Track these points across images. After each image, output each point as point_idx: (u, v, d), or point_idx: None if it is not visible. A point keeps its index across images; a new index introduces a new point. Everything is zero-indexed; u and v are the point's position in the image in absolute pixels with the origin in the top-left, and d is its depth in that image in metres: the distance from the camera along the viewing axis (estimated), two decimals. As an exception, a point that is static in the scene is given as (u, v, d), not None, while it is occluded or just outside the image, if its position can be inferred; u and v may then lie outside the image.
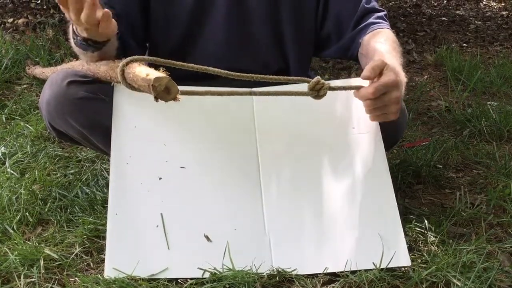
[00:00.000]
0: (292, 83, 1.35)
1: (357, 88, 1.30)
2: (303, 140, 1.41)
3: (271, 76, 1.28)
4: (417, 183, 1.86)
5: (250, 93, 1.32)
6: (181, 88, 1.17)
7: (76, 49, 1.42)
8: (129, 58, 1.21)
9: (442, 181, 1.88)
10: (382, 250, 1.28)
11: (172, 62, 1.22)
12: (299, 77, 1.32)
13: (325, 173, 1.38)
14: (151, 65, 1.22)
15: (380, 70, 1.27)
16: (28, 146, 1.99)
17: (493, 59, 3.40)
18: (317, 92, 1.28)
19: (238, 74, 1.25)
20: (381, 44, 1.47)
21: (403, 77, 1.37)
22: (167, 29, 1.60)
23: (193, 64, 1.22)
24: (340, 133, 1.42)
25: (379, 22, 1.58)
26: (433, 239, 1.46)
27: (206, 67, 1.23)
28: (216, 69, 1.22)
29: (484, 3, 5.40)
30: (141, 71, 1.16)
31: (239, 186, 1.35)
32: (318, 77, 1.28)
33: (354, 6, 1.60)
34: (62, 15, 3.94)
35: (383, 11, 1.63)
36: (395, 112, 1.32)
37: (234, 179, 1.36)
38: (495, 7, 5.24)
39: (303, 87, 1.28)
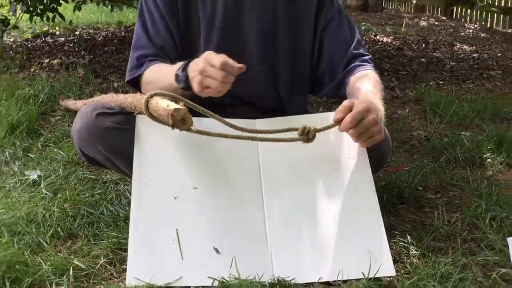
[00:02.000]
0: (282, 131, 1.35)
1: (337, 124, 1.31)
2: (301, 166, 1.41)
3: (265, 129, 1.35)
4: (400, 203, 1.85)
5: (253, 138, 1.34)
6: (195, 121, 1.20)
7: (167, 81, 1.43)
8: (153, 92, 1.25)
9: (422, 201, 1.88)
10: (370, 261, 1.28)
11: (186, 101, 1.25)
12: (288, 127, 1.34)
13: (320, 194, 1.38)
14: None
15: (349, 109, 1.29)
16: (61, 170, 2.00)
17: (466, 95, 3.41)
18: (306, 137, 1.30)
19: (241, 127, 1.29)
20: (364, 84, 1.50)
21: (378, 105, 1.38)
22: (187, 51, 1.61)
23: (202, 108, 1.27)
24: (332, 159, 1.42)
25: (364, 65, 1.59)
26: (415, 252, 1.46)
27: (212, 113, 1.27)
28: (220, 118, 1.28)
29: (457, 46, 5.43)
30: (163, 102, 1.20)
31: (245, 205, 1.35)
32: (304, 124, 1.31)
33: (344, 51, 1.62)
34: (91, 57, 3.98)
35: (368, 55, 1.65)
36: (377, 133, 1.32)
37: (240, 199, 1.36)
38: (467, 50, 5.27)
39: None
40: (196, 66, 1.30)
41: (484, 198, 1.85)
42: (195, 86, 1.30)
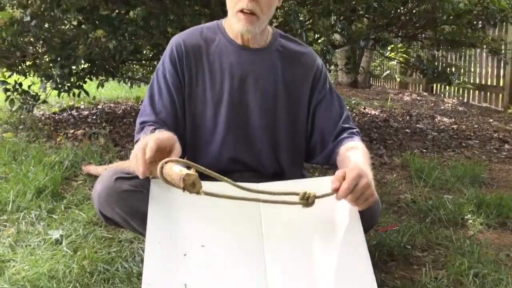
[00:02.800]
0: (285, 194, 1.36)
1: (335, 192, 1.33)
2: (300, 226, 1.40)
3: (269, 190, 1.35)
4: (390, 261, 1.83)
5: (257, 200, 1.35)
6: (204, 184, 1.21)
7: None
8: (167, 159, 1.26)
9: (411, 259, 1.86)
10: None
11: (198, 166, 1.26)
12: (290, 191, 1.34)
13: (317, 253, 1.37)
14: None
15: (342, 177, 1.30)
16: (81, 230, 1.99)
17: (447, 162, 3.42)
18: (306, 201, 1.31)
19: (247, 187, 1.31)
20: (353, 153, 1.52)
21: (368, 170, 1.40)
22: (194, 135, 1.65)
23: (212, 172, 1.28)
24: (328, 220, 1.42)
25: (352, 137, 1.62)
26: (405, 307, 1.43)
27: (220, 175, 1.28)
28: (228, 180, 1.28)
29: (438, 118, 5.50)
30: (176, 168, 1.22)
31: (247, 263, 1.34)
32: (305, 190, 1.31)
33: (334, 125, 1.65)
34: (111, 127, 4.04)
35: (356, 128, 1.68)
36: (371, 195, 1.33)
37: (243, 256, 1.35)
38: (447, 122, 5.33)
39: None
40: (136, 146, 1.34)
41: (467, 256, 1.83)
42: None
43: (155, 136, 1.33)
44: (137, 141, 1.56)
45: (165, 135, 1.37)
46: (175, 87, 1.61)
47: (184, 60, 1.61)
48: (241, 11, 1.50)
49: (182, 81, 1.62)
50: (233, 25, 1.56)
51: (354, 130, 1.66)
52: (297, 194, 1.33)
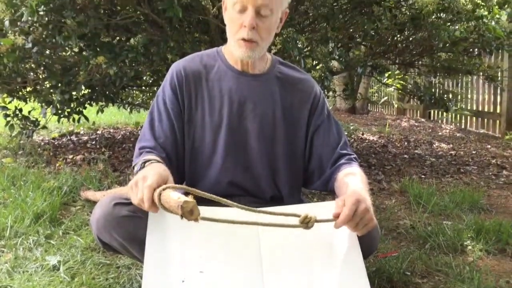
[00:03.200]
0: (286, 215, 1.36)
1: (335, 219, 1.33)
2: (299, 252, 1.40)
3: (270, 211, 1.35)
4: (390, 287, 1.82)
5: (257, 223, 1.34)
6: (201, 209, 1.21)
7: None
8: (165, 186, 1.26)
9: (410, 285, 1.84)
10: None
11: (195, 191, 1.27)
12: (291, 213, 1.35)
13: (317, 277, 1.36)
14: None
15: (342, 204, 1.32)
16: (79, 255, 1.98)
17: (446, 188, 3.43)
18: (306, 225, 1.31)
19: (244, 207, 1.30)
20: (351, 179, 1.53)
21: (366, 196, 1.40)
22: (193, 159, 1.65)
23: (212, 195, 1.28)
24: (328, 246, 1.41)
25: (349, 163, 1.64)
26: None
27: (219, 197, 1.28)
28: (229, 201, 1.28)
29: (436, 144, 5.52)
30: (174, 195, 1.22)
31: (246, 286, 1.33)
32: (306, 213, 1.32)
33: (332, 151, 1.67)
34: (110, 153, 4.04)
35: (353, 154, 1.69)
36: (370, 219, 1.34)
37: (243, 282, 1.34)
38: (445, 147, 5.35)
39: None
40: (138, 175, 1.35)
41: (467, 283, 1.82)
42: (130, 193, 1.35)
43: (154, 171, 1.35)
44: (135, 165, 1.57)
45: (160, 169, 1.38)
46: (175, 112, 1.63)
47: (184, 86, 1.63)
48: (242, 39, 1.53)
49: (182, 106, 1.64)
50: (234, 51, 1.58)
51: (352, 156, 1.67)
52: (297, 216, 1.32)
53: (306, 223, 1.32)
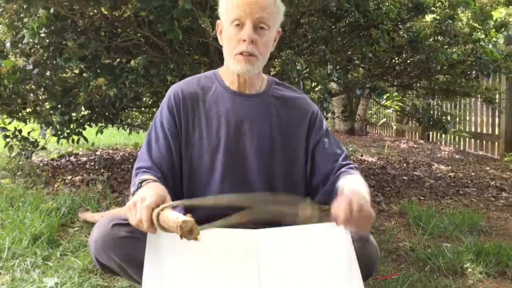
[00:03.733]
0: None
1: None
2: (298, 273, 1.40)
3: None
4: (390, 310, 1.81)
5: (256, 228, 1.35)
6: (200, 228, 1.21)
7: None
8: (162, 206, 1.26)
9: (410, 308, 1.83)
10: None
11: (194, 203, 1.27)
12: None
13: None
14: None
15: (337, 206, 1.33)
16: (76, 277, 1.97)
17: (445, 210, 3.42)
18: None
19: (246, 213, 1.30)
20: (349, 181, 1.54)
21: (363, 193, 1.42)
22: (191, 180, 1.65)
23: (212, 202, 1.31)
24: (327, 267, 1.41)
25: (349, 170, 1.64)
26: None
27: (223, 198, 1.32)
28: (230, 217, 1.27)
29: (435, 166, 5.52)
30: (173, 215, 1.22)
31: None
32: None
33: (334, 163, 1.67)
34: (109, 174, 4.04)
35: (355, 164, 1.70)
36: (368, 216, 1.33)
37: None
38: (444, 169, 5.35)
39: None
40: (135, 196, 1.36)
41: (467, 306, 1.80)
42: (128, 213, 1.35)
43: (153, 191, 1.35)
44: (133, 185, 1.57)
45: (158, 189, 1.39)
46: (172, 133, 1.64)
47: (181, 108, 1.65)
48: (241, 53, 1.55)
49: (179, 127, 1.65)
50: (232, 67, 1.60)
51: (353, 165, 1.67)
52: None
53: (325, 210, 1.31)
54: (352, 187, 1.46)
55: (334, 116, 7.02)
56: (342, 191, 1.50)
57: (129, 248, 1.44)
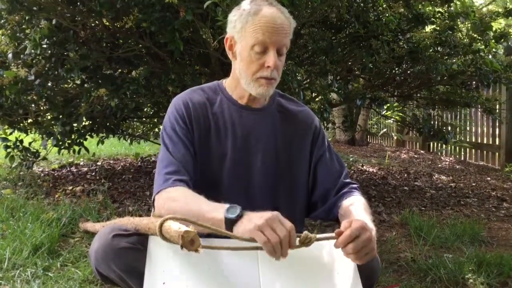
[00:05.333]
0: None
1: (337, 237, 1.31)
2: (299, 281, 1.39)
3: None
4: (391, 321, 1.80)
5: (257, 248, 1.33)
6: (203, 242, 1.21)
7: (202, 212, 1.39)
8: (166, 217, 1.26)
9: (412, 319, 1.82)
10: None
11: (195, 222, 1.26)
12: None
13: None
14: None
15: (349, 224, 1.31)
16: (76, 288, 1.96)
17: (446, 220, 3.41)
18: (307, 244, 1.30)
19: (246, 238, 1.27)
20: (356, 207, 1.54)
21: (371, 225, 1.39)
22: (200, 187, 1.61)
23: (212, 226, 1.27)
24: (328, 278, 1.41)
25: (353, 191, 1.64)
26: None
27: (222, 230, 1.28)
28: (229, 233, 1.27)
29: (436, 176, 5.52)
30: (175, 225, 1.21)
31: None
32: (306, 232, 1.31)
33: (336, 180, 1.68)
34: (110, 184, 4.04)
35: (356, 184, 1.70)
36: (372, 249, 1.33)
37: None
38: (445, 180, 5.34)
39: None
40: (265, 217, 1.28)
41: (469, 317, 1.79)
42: (257, 232, 1.26)
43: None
44: (159, 191, 1.52)
45: None
46: (189, 140, 1.60)
47: (192, 117, 1.62)
48: (264, 78, 1.55)
49: (192, 135, 1.62)
50: (251, 89, 1.59)
51: (355, 186, 1.68)
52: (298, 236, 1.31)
53: (307, 243, 1.30)
54: (364, 219, 1.43)
55: (335, 127, 7.02)
56: (351, 214, 1.49)
57: (129, 259, 1.43)
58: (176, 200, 1.48)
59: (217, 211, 1.35)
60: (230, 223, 1.31)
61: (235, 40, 1.60)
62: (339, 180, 1.67)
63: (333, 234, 1.32)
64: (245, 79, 1.59)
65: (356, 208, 1.53)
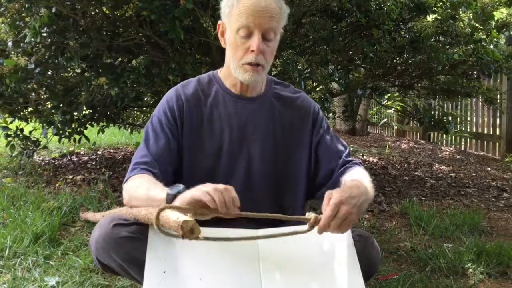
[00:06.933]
0: (286, 235, 1.35)
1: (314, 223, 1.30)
2: (298, 272, 1.39)
3: (277, 215, 1.34)
4: (391, 310, 1.81)
5: (257, 237, 1.34)
6: (202, 230, 1.20)
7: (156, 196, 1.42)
8: (163, 206, 1.25)
9: (411, 308, 1.83)
10: None
11: (189, 209, 1.26)
12: (299, 216, 1.34)
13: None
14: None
15: (328, 200, 1.29)
16: (77, 276, 1.97)
17: (446, 210, 3.42)
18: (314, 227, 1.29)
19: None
20: (350, 176, 1.54)
21: (356, 191, 1.35)
22: (192, 184, 1.63)
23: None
24: (328, 268, 1.41)
25: (353, 165, 1.64)
26: None
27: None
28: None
29: (436, 166, 5.52)
30: (173, 215, 1.21)
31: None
32: (314, 214, 1.29)
33: (338, 159, 1.67)
34: (111, 173, 4.04)
35: (358, 160, 1.69)
36: (352, 220, 1.29)
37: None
38: (445, 169, 5.34)
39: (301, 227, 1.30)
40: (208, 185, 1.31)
41: (468, 306, 1.80)
42: (200, 193, 1.29)
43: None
44: (127, 179, 1.56)
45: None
46: (172, 133, 1.61)
47: (184, 111, 1.62)
48: (249, 63, 1.53)
49: (180, 130, 1.62)
50: (238, 75, 1.58)
51: (357, 161, 1.67)
52: (308, 219, 1.30)
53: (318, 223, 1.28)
54: (354, 178, 1.44)
55: (335, 116, 7.01)
56: (343, 184, 1.48)
57: (130, 248, 1.43)
58: (136, 187, 1.50)
59: (163, 191, 1.38)
60: (172, 199, 1.34)
61: (226, 27, 1.59)
62: (341, 159, 1.67)
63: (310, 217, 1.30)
64: (233, 65, 1.58)
65: (349, 177, 1.52)
